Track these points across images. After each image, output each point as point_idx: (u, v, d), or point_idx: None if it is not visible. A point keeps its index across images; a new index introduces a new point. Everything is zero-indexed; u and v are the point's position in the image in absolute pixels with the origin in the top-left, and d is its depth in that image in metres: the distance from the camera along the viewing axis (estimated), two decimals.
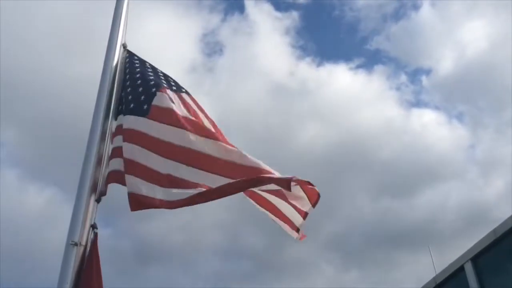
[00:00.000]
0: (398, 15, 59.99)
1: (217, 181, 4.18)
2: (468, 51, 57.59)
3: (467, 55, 57.19)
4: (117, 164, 4.59)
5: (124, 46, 5.40)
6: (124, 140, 4.62)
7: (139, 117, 4.69)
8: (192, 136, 4.46)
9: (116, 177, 4.54)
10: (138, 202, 4.24)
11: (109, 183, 4.54)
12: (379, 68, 62.02)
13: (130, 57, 5.33)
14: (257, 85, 55.68)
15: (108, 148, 4.71)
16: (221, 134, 4.74)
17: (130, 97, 4.92)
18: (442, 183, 54.02)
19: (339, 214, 54.40)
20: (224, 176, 4.21)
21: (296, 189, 4.31)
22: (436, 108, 67.28)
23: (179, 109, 4.70)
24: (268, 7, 60.34)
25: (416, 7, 61.23)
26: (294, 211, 4.66)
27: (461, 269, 16.89)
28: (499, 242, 15.54)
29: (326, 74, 60.12)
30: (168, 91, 4.88)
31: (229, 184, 4.10)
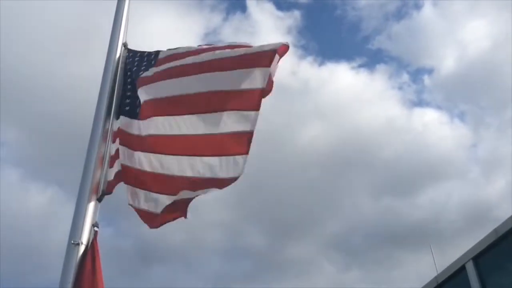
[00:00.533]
0: (400, 14, 60.00)
1: (198, 165, 4.31)
2: (470, 51, 57.58)
3: (469, 54, 57.18)
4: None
5: (125, 45, 5.40)
6: (120, 143, 4.66)
7: (133, 120, 4.72)
8: (179, 118, 4.54)
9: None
10: (151, 220, 4.47)
11: (117, 183, 4.56)
12: (381, 67, 62.02)
13: (132, 57, 5.32)
14: None
15: (109, 147, 4.70)
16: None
17: (127, 100, 4.93)
18: (444, 182, 54.04)
19: (340, 213, 54.45)
20: (206, 155, 4.33)
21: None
22: (438, 107, 67.31)
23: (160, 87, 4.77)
24: (269, 7, 60.35)
25: (418, 6, 61.22)
26: None
27: (463, 268, 16.91)
28: (500, 242, 15.54)
29: (328, 74, 60.13)
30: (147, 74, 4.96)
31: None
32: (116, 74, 5.11)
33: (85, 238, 4.00)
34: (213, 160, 4.28)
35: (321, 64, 63.59)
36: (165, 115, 4.57)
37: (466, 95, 60.43)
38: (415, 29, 58.29)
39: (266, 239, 54.95)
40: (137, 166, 4.51)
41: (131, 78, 5.08)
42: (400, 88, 62.25)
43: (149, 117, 4.58)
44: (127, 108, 4.86)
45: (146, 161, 4.49)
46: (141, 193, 4.49)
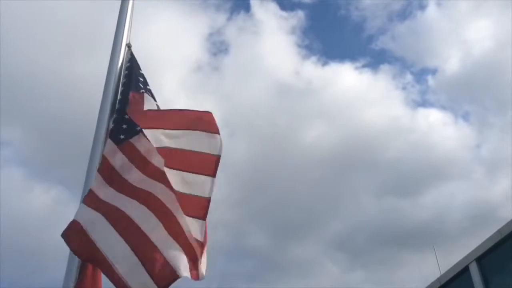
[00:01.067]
0: (404, 14, 59.91)
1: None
2: (474, 51, 57.47)
3: (473, 54, 57.06)
4: None
5: (128, 46, 5.41)
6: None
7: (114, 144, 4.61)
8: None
9: None
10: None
11: None
12: (385, 67, 61.94)
13: (131, 62, 5.34)
14: (263, 84, 55.74)
15: None
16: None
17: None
18: (448, 182, 53.94)
19: (344, 213, 54.41)
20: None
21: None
22: (442, 107, 67.20)
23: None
24: (273, 6, 60.35)
25: (422, 6, 61.12)
26: None
27: (466, 269, 16.88)
28: (504, 242, 15.51)
29: (331, 74, 60.11)
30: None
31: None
32: (120, 74, 5.13)
33: None
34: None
35: (324, 64, 63.56)
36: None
37: (470, 95, 60.35)
38: (419, 29, 58.24)
39: (270, 239, 54.98)
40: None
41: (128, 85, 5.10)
42: (404, 88, 62.19)
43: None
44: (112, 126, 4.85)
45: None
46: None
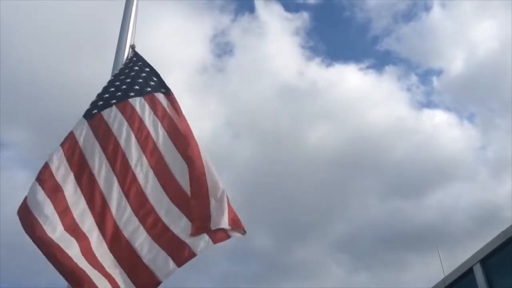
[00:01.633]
0: (409, 16, 59.82)
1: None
2: (479, 52, 57.34)
3: (478, 55, 56.94)
4: None
5: (132, 47, 5.42)
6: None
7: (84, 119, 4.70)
8: (105, 167, 4.39)
9: None
10: None
11: None
12: (389, 69, 61.85)
13: (134, 61, 5.34)
14: (267, 86, 55.72)
15: None
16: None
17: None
18: (453, 184, 53.80)
19: (348, 215, 54.32)
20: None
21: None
22: (447, 109, 67.08)
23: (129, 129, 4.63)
24: (278, 8, 60.31)
25: (427, 7, 61.03)
26: None
27: (470, 271, 16.82)
28: (508, 244, 15.45)
29: (336, 75, 60.06)
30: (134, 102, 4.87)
31: None
32: None
33: None
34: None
35: (329, 65, 63.53)
36: None
37: (475, 96, 60.21)
38: (424, 30, 58.15)
39: (274, 241, 54.92)
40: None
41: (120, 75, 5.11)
42: (408, 89, 62.14)
43: None
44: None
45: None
46: None
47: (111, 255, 3.92)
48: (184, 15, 55.20)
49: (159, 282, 3.84)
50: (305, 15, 59.55)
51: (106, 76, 5.10)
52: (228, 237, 4.10)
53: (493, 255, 16.04)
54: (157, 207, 4.18)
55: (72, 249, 3.78)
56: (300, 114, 54.84)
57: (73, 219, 4.00)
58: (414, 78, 62.80)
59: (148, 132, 4.55)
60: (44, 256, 3.77)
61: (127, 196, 4.19)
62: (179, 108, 4.89)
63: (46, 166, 4.26)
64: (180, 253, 3.95)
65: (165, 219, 4.13)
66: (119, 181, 4.25)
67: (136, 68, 5.15)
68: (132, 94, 4.83)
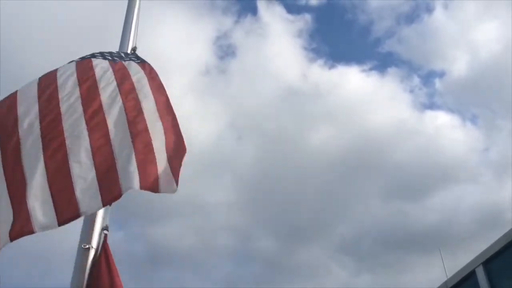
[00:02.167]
0: (411, 17, 59.85)
1: None
2: (481, 53, 57.32)
3: (481, 57, 56.93)
4: None
5: (134, 49, 5.42)
6: None
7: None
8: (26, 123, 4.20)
9: None
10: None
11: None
12: (392, 70, 61.87)
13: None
14: (270, 88, 55.76)
15: None
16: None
17: None
18: (456, 186, 53.75)
19: (351, 217, 54.29)
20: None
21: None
22: (450, 110, 67.08)
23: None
24: (280, 10, 60.38)
25: (429, 9, 61.06)
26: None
27: (473, 273, 16.80)
28: (511, 246, 15.44)
29: (338, 77, 60.07)
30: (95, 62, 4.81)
31: None
32: None
33: (95, 242, 4.02)
34: None
35: (331, 67, 63.52)
36: None
37: (478, 98, 60.17)
38: (426, 32, 58.13)
39: (277, 243, 54.91)
40: None
41: None
42: (411, 91, 62.08)
43: None
44: None
45: None
46: None
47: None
48: (187, 17, 55.30)
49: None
50: (307, 17, 59.66)
51: None
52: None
53: (495, 258, 16.01)
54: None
55: None
56: (303, 116, 54.90)
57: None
58: (416, 80, 62.82)
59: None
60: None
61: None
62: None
63: None
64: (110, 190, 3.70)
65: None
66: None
67: None
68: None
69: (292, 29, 58.31)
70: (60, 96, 4.37)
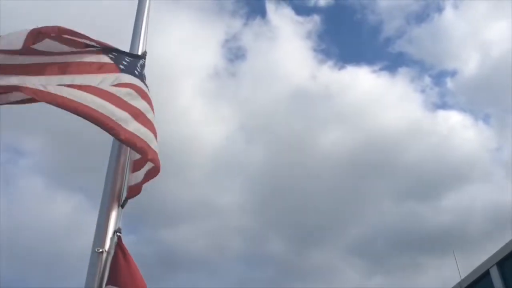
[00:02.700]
0: (421, 17, 59.66)
1: None
2: (493, 52, 57.02)
3: (492, 56, 56.63)
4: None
5: (144, 54, 5.42)
6: None
7: None
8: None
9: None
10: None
11: (145, 182, 4.58)
12: (403, 70, 61.69)
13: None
14: (280, 89, 55.80)
15: (130, 153, 4.71)
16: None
17: None
18: (469, 185, 53.50)
19: (363, 218, 54.11)
20: None
21: None
22: (462, 110, 66.76)
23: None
24: (289, 11, 60.41)
25: (439, 8, 60.87)
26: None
27: (487, 273, 16.68)
28: None
29: (348, 77, 60.02)
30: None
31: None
32: None
33: (108, 245, 4.03)
34: None
35: (341, 68, 63.51)
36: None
37: (490, 97, 59.87)
38: (437, 31, 57.99)
39: (289, 245, 54.87)
40: None
41: None
42: (422, 91, 61.90)
43: None
44: None
45: None
46: None
47: None
48: (196, 20, 55.44)
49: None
50: (316, 18, 59.69)
51: None
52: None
53: (510, 258, 15.88)
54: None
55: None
56: (313, 118, 54.86)
57: None
58: (427, 80, 62.69)
59: None
60: None
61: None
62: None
63: None
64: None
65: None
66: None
67: None
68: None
69: (301, 31, 58.37)
70: None
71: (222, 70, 58.54)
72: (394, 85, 59.70)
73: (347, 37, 63.10)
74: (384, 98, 57.93)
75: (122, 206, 4.36)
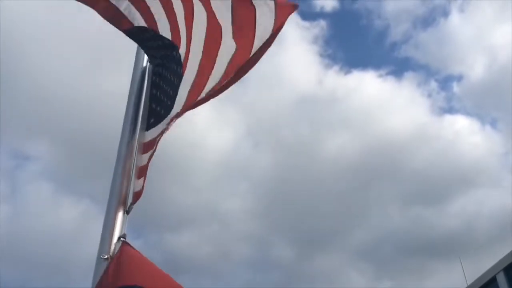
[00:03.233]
0: (427, 21, 59.65)
1: None
2: (499, 56, 56.94)
3: (499, 60, 56.55)
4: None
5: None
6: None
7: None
8: None
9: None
10: None
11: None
12: (409, 75, 61.68)
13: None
14: (286, 95, 55.83)
15: (136, 159, 4.70)
16: None
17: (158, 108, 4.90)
18: (476, 190, 53.42)
19: (369, 223, 54.06)
20: None
21: None
22: (469, 114, 66.73)
23: None
24: (295, 17, 60.33)
25: (445, 13, 60.89)
26: None
27: (493, 279, 16.63)
28: None
29: (354, 82, 60.07)
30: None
31: None
32: (141, 86, 5.12)
33: (113, 251, 4.01)
34: None
35: (347, 73, 63.60)
36: None
37: (497, 101, 59.83)
38: (443, 36, 58.08)
39: (295, 250, 54.85)
40: None
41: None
42: (429, 95, 61.87)
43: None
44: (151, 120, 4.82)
45: None
46: None
47: None
48: None
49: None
50: (322, 23, 59.82)
51: (126, 89, 5.10)
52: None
53: None
54: None
55: None
56: (320, 122, 54.92)
57: None
58: (434, 84, 62.73)
59: None
60: None
61: None
62: None
63: None
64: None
65: None
66: None
67: None
68: None
69: (308, 36, 58.44)
70: None
71: None
72: (401, 89, 59.75)
73: (353, 42, 63.26)
74: (390, 102, 57.98)
75: (127, 212, 4.35)
